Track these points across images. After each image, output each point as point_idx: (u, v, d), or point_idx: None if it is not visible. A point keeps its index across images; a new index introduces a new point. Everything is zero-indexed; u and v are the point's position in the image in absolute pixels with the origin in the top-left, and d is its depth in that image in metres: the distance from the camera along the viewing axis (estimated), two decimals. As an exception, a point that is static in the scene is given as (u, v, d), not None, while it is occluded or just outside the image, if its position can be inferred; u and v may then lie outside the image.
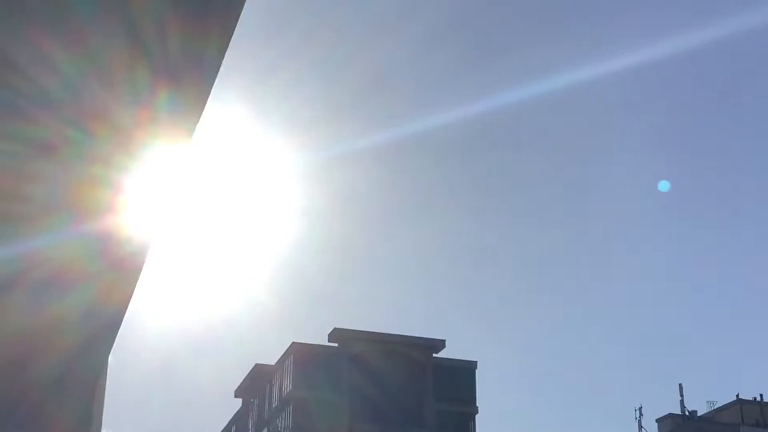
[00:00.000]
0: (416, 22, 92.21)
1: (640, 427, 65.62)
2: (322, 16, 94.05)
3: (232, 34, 4.04)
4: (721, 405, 69.40)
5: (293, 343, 64.37)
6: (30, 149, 4.25)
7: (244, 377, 72.06)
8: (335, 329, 65.20)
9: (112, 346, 7.81)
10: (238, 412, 75.02)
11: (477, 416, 65.60)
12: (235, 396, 75.08)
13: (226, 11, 3.88)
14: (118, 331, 7.32)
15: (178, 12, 3.81)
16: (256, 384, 70.34)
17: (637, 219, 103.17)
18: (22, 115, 3.98)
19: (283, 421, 64.01)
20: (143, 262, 5.92)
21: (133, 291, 6.42)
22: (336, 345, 65.03)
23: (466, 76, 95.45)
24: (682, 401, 66.03)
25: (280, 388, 65.43)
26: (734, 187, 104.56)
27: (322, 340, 65.83)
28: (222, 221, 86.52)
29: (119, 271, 6.01)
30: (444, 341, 66.95)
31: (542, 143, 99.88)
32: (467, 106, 72.09)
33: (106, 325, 7.03)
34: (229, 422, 76.68)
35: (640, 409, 66.22)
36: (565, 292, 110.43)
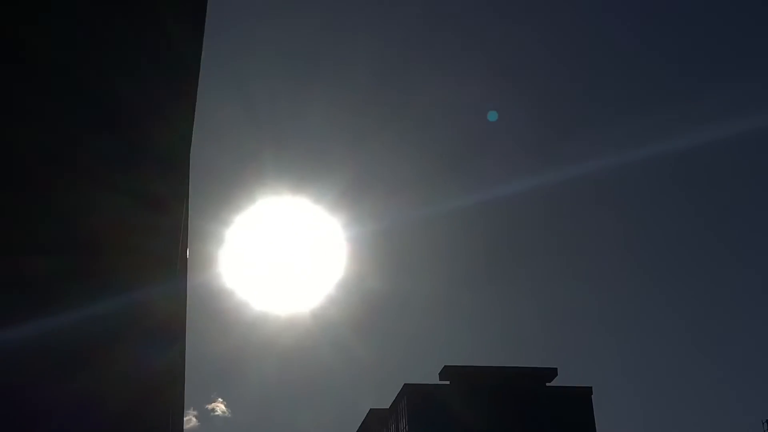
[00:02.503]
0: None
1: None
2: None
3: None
4: None
5: (405, 384, 64.52)
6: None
7: (360, 423, 72.42)
8: (446, 367, 65.14)
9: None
10: (358, 458, 75.29)
11: (598, 443, 64.61)
12: (354, 442, 75.43)
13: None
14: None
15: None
16: (372, 428, 70.58)
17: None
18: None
19: (403, 464, 64.03)
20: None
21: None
22: (448, 382, 64.97)
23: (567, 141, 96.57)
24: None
25: (397, 431, 65.53)
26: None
27: (433, 378, 65.91)
28: (323, 272, 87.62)
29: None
30: (556, 369, 66.23)
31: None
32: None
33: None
34: (350, 469, 76.94)
35: None
36: (678, 310, 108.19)
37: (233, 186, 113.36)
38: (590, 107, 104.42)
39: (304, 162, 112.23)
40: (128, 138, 4.51)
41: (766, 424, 64.44)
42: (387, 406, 67.87)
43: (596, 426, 64.88)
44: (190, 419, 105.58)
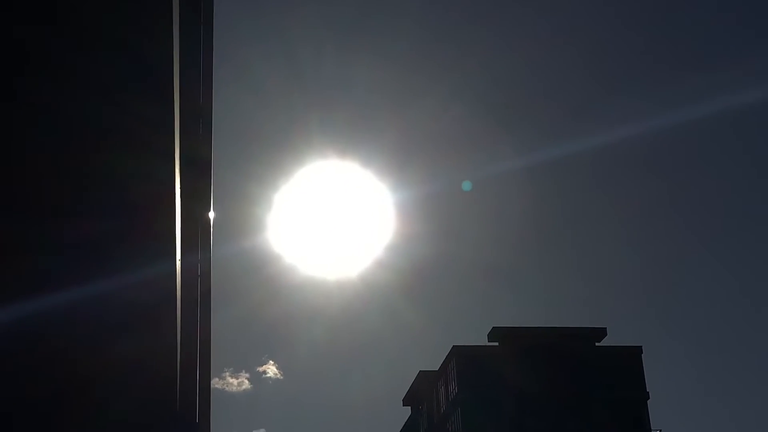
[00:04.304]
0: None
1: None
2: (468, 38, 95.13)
3: None
4: None
5: (454, 346, 64.64)
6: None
7: (410, 385, 72.80)
8: (494, 328, 65.10)
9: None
10: (408, 419, 75.82)
11: (649, 401, 64.34)
12: (404, 404, 75.93)
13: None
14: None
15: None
16: (422, 390, 70.94)
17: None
18: None
19: (453, 425, 64.38)
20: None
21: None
22: (496, 344, 64.96)
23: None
24: None
25: (447, 393, 65.83)
26: None
27: (482, 340, 65.98)
28: (371, 236, 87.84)
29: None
30: (605, 329, 65.90)
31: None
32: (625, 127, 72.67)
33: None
34: (401, 430, 77.53)
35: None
36: (728, 270, 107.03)
37: (281, 150, 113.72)
38: (641, 64, 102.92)
39: (351, 124, 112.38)
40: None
41: None
42: (436, 368, 68.13)
43: (646, 385, 64.62)
44: (243, 381, 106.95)
